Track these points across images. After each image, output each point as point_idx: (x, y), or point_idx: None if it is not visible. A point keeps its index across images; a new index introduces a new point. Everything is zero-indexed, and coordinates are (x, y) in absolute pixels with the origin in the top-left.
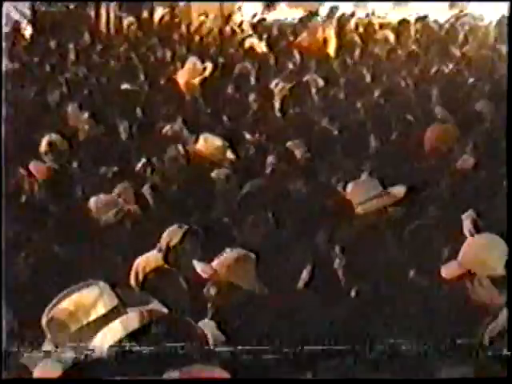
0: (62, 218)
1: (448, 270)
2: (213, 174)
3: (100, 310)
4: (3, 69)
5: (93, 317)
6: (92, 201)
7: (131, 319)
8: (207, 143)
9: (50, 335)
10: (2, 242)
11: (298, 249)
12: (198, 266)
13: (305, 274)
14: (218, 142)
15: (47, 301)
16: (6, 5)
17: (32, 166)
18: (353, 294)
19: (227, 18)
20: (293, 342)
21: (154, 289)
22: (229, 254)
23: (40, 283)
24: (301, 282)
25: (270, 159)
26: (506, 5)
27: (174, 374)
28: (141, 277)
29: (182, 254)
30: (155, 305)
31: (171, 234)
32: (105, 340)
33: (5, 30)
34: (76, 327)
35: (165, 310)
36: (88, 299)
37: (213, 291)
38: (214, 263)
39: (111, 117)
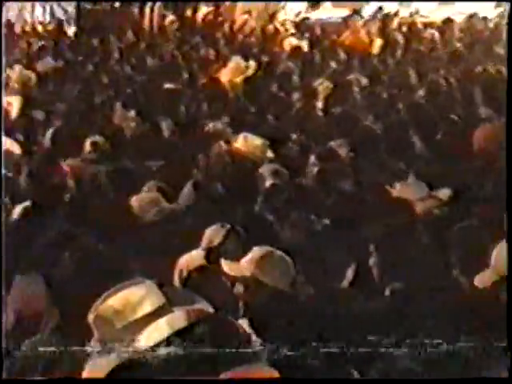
0: (106, 215)
1: (481, 279)
2: (257, 172)
3: (146, 308)
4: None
5: (139, 315)
6: (134, 199)
7: (178, 318)
8: (247, 142)
9: (96, 332)
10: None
11: (342, 247)
12: (225, 265)
13: (349, 273)
14: (257, 141)
15: (92, 298)
16: (49, 3)
17: (75, 163)
18: (387, 292)
19: (271, 17)
20: (337, 342)
21: (197, 288)
22: (255, 252)
23: (84, 281)
24: (345, 281)
25: (313, 158)
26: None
27: (223, 375)
28: (184, 275)
29: (224, 252)
30: (202, 304)
31: (213, 234)
32: (150, 338)
33: (49, 27)
34: (121, 324)
35: (211, 310)
36: (134, 297)
37: (240, 289)
38: (242, 261)
39: (154, 115)
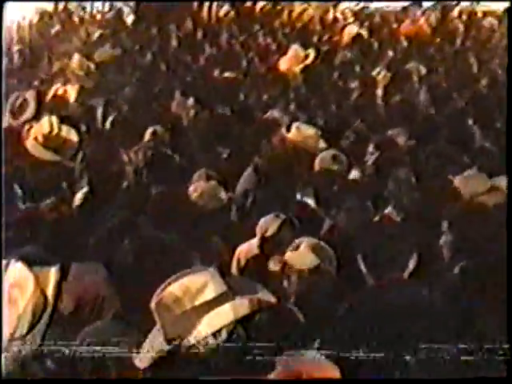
0: (165, 204)
1: None
2: (314, 160)
3: (207, 295)
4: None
5: (199, 301)
6: (193, 188)
7: (241, 305)
8: (299, 132)
9: (158, 319)
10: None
11: (401, 238)
12: (287, 256)
13: (411, 264)
14: (310, 130)
15: (151, 286)
16: None
17: (134, 151)
18: (456, 271)
19: (334, 5)
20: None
21: (253, 277)
22: (300, 244)
23: (144, 269)
24: (406, 272)
25: (371, 147)
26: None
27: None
28: (242, 264)
29: (278, 243)
30: (264, 293)
31: (268, 223)
32: (211, 325)
33: (108, 16)
34: (181, 311)
35: (273, 300)
36: (196, 284)
37: (294, 279)
38: (286, 254)
39: (213, 103)
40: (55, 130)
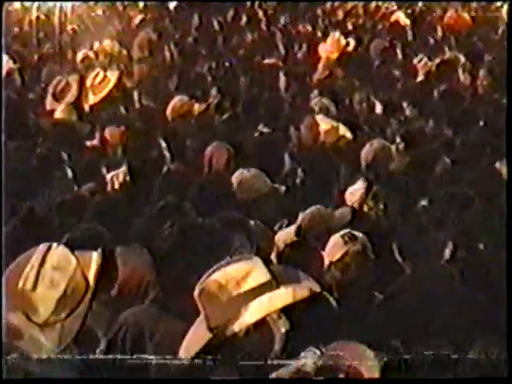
0: (206, 189)
1: None
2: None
3: (251, 283)
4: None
5: (243, 289)
6: (235, 176)
7: (285, 294)
8: (321, 124)
9: (201, 307)
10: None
11: (440, 225)
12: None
13: (447, 251)
14: (328, 123)
15: (191, 271)
16: None
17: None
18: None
19: None
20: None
21: (291, 264)
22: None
23: (185, 254)
24: (443, 260)
25: (398, 138)
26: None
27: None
28: (279, 251)
29: (318, 232)
30: (308, 282)
31: (307, 213)
32: (254, 313)
33: (149, 3)
34: (226, 298)
35: (318, 289)
36: (240, 272)
37: (334, 269)
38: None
39: (253, 89)
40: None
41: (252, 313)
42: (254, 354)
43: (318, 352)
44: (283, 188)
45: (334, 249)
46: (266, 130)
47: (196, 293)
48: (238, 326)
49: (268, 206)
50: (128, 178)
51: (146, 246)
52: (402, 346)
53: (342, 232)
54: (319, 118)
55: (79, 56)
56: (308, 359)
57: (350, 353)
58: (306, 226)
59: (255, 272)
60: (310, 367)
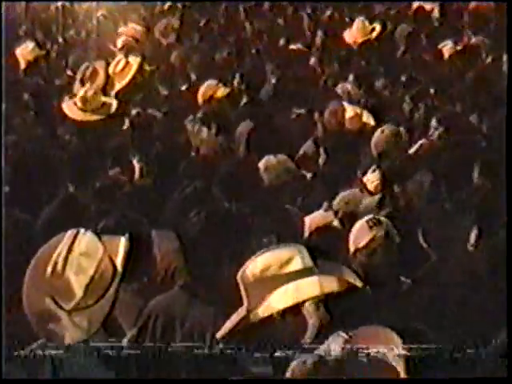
0: (232, 175)
1: None
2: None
3: (295, 265)
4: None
5: (286, 270)
6: (263, 161)
7: (331, 281)
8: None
9: (243, 289)
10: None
11: (462, 212)
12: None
13: (472, 237)
14: (352, 110)
15: (219, 255)
16: None
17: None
18: None
19: None
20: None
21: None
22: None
23: (212, 239)
24: (469, 245)
25: (434, 122)
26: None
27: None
28: (307, 234)
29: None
30: (351, 277)
31: (346, 198)
32: (296, 295)
33: None
34: (267, 279)
35: (360, 284)
36: (283, 256)
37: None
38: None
39: (278, 74)
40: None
41: (278, 300)
42: (285, 340)
43: (345, 336)
44: (309, 174)
45: (359, 234)
46: (301, 111)
47: (238, 276)
48: (265, 311)
49: (294, 191)
50: (144, 169)
51: (175, 231)
52: (427, 334)
53: (366, 217)
54: (344, 104)
55: (119, 42)
56: (335, 344)
57: (377, 338)
58: (341, 209)
59: (300, 256)
60: (337, 352)
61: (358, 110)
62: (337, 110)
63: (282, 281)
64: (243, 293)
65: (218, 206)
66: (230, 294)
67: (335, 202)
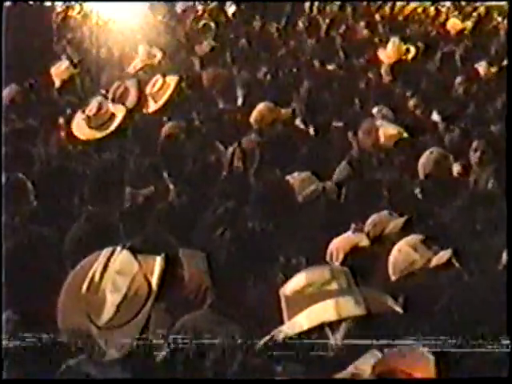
0: (264, 193)
1: None
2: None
3: (333, 286)
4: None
5: (325, 288)
6: (291, 177)
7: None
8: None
9: (285, 308)
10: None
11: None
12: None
13: (504, 257)
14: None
15: (247, 279)
16: None
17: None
18: None
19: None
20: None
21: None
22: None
23: (241, 260)
24: (501, 265)
25: (475, 143)
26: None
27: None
28: (341, 257)
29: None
30: (387, 298)
31: (379, 220)
32: (335, 311)
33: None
34: (309, 293)
35: (398, 308)
36: (322, 277)
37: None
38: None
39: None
40: None
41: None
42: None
43: (379, 355)
44: (335, 192)
45: (400, 257)
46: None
47: (281, 289)
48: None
49: (324, 210)
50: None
51: (204, 251)
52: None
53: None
54: (379, 123)
55: (138, 64)
56: (367, 362)
57: (410, 358)
58: (371, 231)
59: (337, 278)
60: (368, 371)
61: (395, 129)
62: (371, 128)
63: (317, 300)
64: (284, 307)
65: (244, 226)
66: (258, 313)
67: (366, 225)
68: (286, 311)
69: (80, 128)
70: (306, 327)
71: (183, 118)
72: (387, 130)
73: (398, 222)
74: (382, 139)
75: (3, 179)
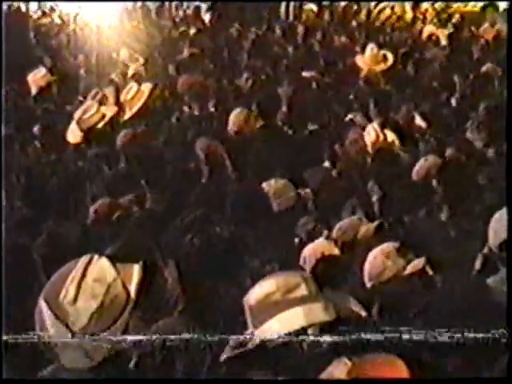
0: (238, 201)
1: None
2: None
3: (302, 291)
4: None
5: (293, 296)
6: (265, 184)
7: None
8: (377, 134)
9: (249, 316)
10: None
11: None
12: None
13: (478, 264)
14: (389, 134)
15: (218, 285)
16: None
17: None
18: None
19: (413, 5)
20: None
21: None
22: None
23: (211, 266)
24: (473, 272)
25: (450, 150)
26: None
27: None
28: (312, 263)
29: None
30: (354, 303)
31: (347, 225)
32: (305, 317)
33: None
34: (275, 300)
35: (363, 313)
36: (289, 283)
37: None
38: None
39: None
40: None
41: (278, 325)
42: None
43: (349, 363)
44: (311, 198)
45: (374, 264)
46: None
47: (245, 298)
48: (264, 334)
49: (297, 217)
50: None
51: (175, 258)
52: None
53: (380, 247)
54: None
55: (115, 68)
56: (337, 370)
57: (381, 365)
58: (340, 237)
59: (306, 283)
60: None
61: (380, 133)
62: (357, 139)
63: (286, 306)
64: (248, 316)
65: (214, 233)
66: (229, 318)
67: (334, 231)
68: (251, 318)
69: (73, 132)
70: (277, 333)
71: (159, 125)
72: (370, 138)
73: (370, 226)
74: (366, 147)
75: None
